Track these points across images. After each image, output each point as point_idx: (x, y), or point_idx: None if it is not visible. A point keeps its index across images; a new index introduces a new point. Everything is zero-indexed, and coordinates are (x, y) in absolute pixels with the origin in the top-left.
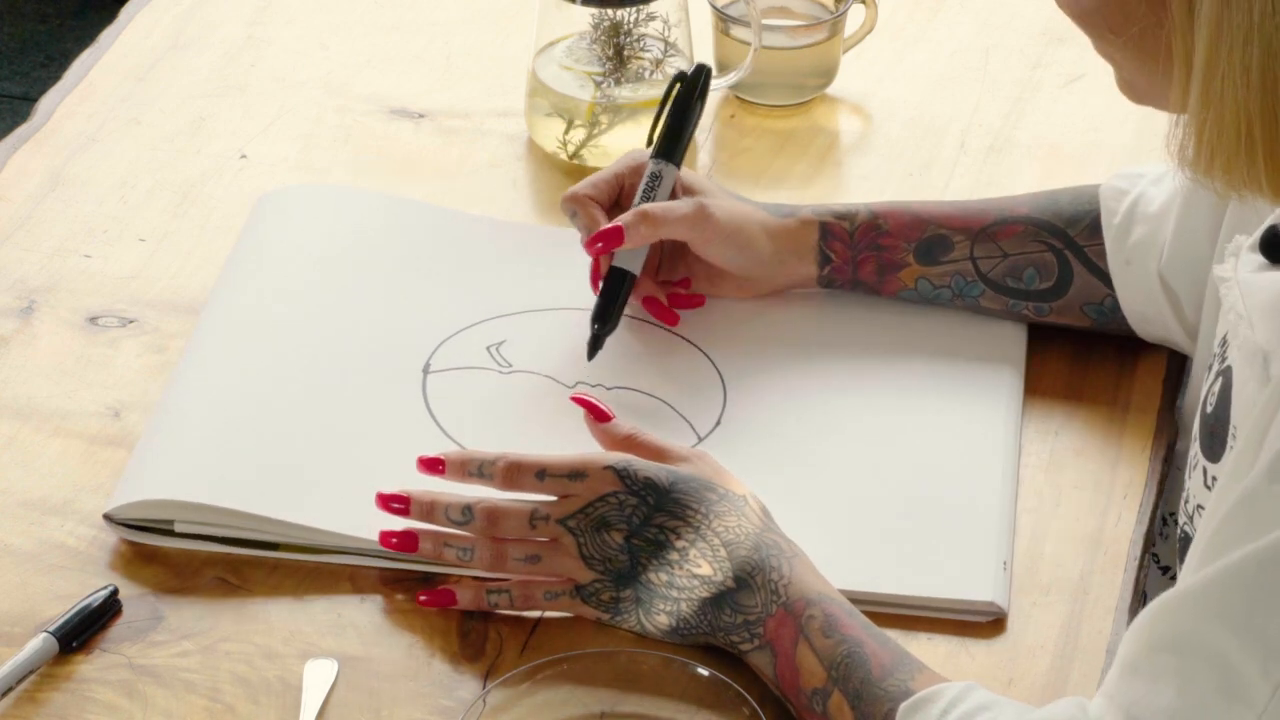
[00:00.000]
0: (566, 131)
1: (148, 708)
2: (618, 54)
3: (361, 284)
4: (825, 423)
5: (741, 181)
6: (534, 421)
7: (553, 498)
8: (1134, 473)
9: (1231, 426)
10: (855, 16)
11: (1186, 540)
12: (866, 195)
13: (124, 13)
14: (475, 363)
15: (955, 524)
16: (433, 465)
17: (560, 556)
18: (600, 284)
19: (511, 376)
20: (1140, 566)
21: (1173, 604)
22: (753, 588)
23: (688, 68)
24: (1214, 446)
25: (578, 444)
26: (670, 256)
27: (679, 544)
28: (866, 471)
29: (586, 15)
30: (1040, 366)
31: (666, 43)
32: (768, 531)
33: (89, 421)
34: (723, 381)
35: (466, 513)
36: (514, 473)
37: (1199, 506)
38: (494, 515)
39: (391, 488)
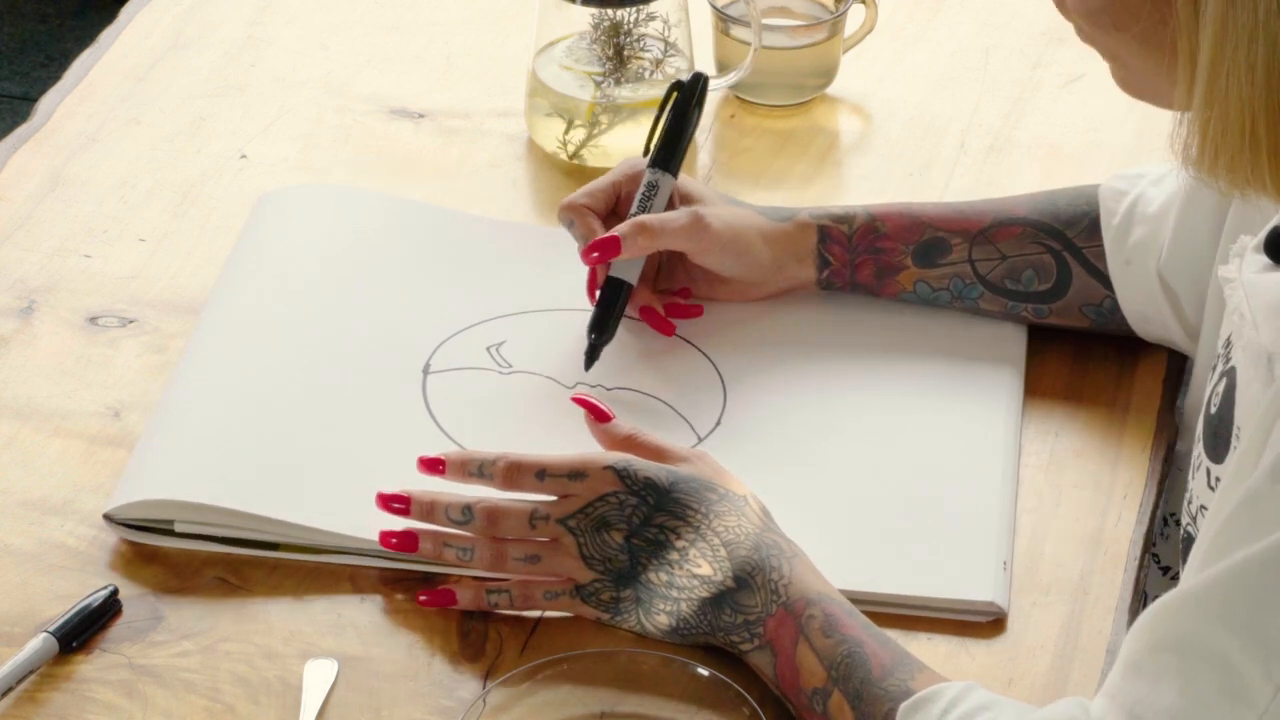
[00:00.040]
0: (566, 131)
1: (148, 708)
2: (618, 54)
3: (361, 284)
4: (825, 423)
5: (741, 181)
6: (534, 422)
7: (553, 498)
8: (1134, 473)
9: (1235, 427)
10: (855, 16)
11: (1190, 541)
12: (866, 195)
13: (124, 13)
14: (475, 363)
15: (955, 524)
16: (433, 465)
17: (560, 556)
18: (597, 294)
19: (511, 377)
20: (1140, 567)
21: (1175, 604)
22: (753, 588)
23: (688, 68)
24: (1218, 447)
25: (578, 444)
26: (668, 264)
27: (679, 544)
28: (866, 472)
29: (586, 15)
30: (1040, 367)
31: (666, 43)
32: (768, 531)
33: (89, 421)
34: (722, 382)
35: (466, 513)
36: (514, 473)
37: (1202, 507)
38: (494, 515)
39: (392, 488)
